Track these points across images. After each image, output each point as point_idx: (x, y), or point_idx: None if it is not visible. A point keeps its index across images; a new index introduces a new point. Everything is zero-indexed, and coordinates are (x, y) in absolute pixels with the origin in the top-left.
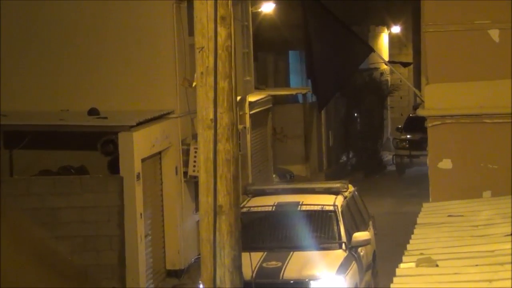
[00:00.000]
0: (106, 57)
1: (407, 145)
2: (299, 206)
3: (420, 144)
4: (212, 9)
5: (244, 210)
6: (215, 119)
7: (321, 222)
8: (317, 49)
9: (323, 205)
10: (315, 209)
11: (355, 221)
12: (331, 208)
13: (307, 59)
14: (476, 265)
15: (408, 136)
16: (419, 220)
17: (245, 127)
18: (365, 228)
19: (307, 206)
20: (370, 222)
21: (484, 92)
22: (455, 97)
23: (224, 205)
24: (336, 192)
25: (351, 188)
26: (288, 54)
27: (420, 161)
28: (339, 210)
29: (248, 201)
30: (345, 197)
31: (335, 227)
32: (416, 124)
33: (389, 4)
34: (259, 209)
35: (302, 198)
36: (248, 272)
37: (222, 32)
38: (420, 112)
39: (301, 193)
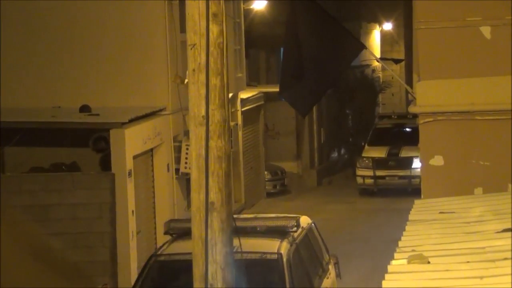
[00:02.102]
0: (98, 54)
1: (371, 163)
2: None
3: (386, 162)
4: (204, 6)
5: (162, 258)
6: (207, 116)
7: (261, 275)
8: (307, 46)
9: (264, 252)
10: (253, 257)
11: (308, 271)
12: (274, 256)
13: (284, 59)
14: (468, 262)
15: (373, 153)
16: (410, 217)
17: (237, 124)
18: (323, 277)
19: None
20: (330, 266)
21: (476, 89)
22: (447, 94)
23: (216, 202)
24: (283, 233)
25: (305, 222)
26: (280, 51)
27: (387, 183)
28: (284, 258)
29: (169, 244)
30: (294, 239)
31: (279, 282)
32: (384, 137)
33: (381, 1)
34: (183, 257)
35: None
36: None
37: (214, 29)
38: (412, 109)
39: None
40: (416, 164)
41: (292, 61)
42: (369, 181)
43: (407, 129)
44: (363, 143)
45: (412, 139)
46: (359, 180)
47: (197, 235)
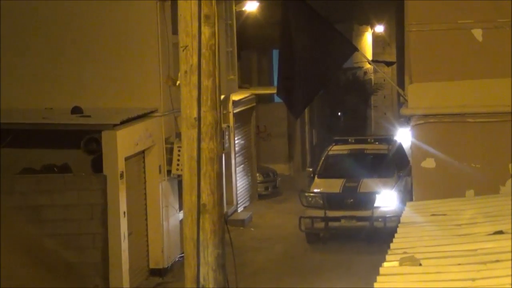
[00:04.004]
0: (90, 55)
1: (321, 201)
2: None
3: (342, 200)
4: (196, 7)
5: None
6: (199, 118)
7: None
8: (299, 48)
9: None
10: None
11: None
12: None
13: (280, 61)
14: (459, 264)
15: (324, 187)
16: (402, 219)
17: (229, 126)
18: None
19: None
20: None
21: (468, 91)
22: (439, 96)
23: (208, 203)
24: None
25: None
26: (272, 53)
27: (343, 226)
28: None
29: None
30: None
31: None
32: (338, 167)
33: (373, 3)
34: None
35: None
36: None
37: (206, 30)
38: (404, 112)
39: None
40: (380, 201)
41: (287, 62)
42: (319, 224)
43: (368, 157)
44: (311, 174)
45: (374, 170)
46: (306, 223)
47: (189, 237)
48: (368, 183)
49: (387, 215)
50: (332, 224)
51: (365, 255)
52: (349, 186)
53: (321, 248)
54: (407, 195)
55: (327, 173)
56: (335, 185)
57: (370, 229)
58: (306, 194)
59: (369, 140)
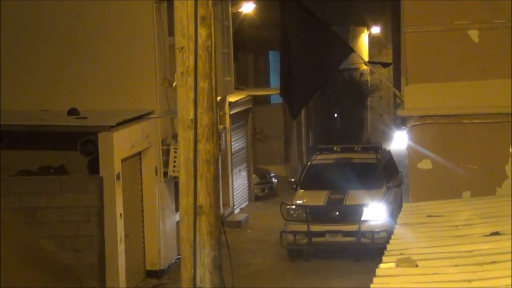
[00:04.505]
0: (86, 57)
1: (304, 215)
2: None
3: (326, 213)
4: (192, 9)
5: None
6: (195, 119)
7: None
8: (296, 50)
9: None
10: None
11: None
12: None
13: (281, 62)
14: (456, 265)
15: (307, 199)
16: (399, 220)
17: (225, 127)
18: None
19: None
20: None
21: (464, 92)
22: (435, 97)
23: (204, 205)
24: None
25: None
26: (268, 55)
27: (328, 242)
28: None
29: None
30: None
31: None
32: (322, 178)
33: (369, 5)
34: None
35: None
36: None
37: (202, 32)
38: (400, 113)
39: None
40: (367, 215)
41: (285, 64)
42: (301, 239)
43: (355, 167)
44: (294, 186)
45: (362, 181)
46: (288, 238)
47: (186, 238)
48: (355, 195)
49: (375, 230)
50: (316, 239)
51: (353, 275)
52: (334, 199)
53: (303, 267)
54: (397, 208)
55: (310, 184)
56: (319, 197)
57: (357, 245)
58: (288, 206)
59: (356, 148)
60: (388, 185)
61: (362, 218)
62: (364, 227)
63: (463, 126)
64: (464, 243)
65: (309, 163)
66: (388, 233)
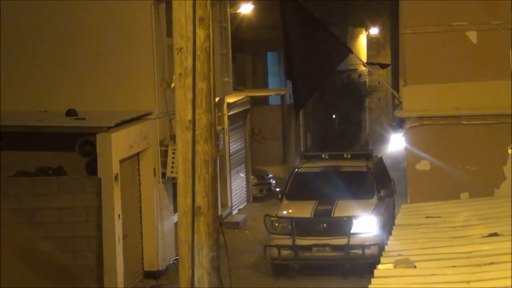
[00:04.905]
0: (84, 57)
1: (290, 227)
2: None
3: (313, 226)
4: (191, 10)
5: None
6: (193, 120)
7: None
8: (296, 50)
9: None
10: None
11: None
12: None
13: (285, 59)
14: (454, 266)
15: (292, 211)
16: (397, 222)
17: (223, 128)
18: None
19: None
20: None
21: (462, 94)
22: (433, 98)
23: (203, 206)
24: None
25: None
26: (267, 56)
27: (315, 256)
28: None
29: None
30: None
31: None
32: (309, 187)
33: (367, 6)
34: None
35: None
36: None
37: (200, 33)
38: (398, 114)
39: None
40: (357, 227)
41: (288, 63)
42: (287, 253)
43: (344, 175)
44: (279, 196)
45: (351, 190)
46: (272, 252)
47: (184, 239)
48: (344, 206)
49: (366, 243)
50: (302, 253)
51: None
52: (321, 210)
53: (288, 284)
54: (390, 219)
55: (296, 194)
56: (305, 208)
57: (346, 260)
58: (272, 218)
59: (345, 155)
60: (379, 195)
61: (352, 231)
62: (353, 241)
63: (461, 127)
64: (462, 244)
65: (295, 171)
66: (380, 247)
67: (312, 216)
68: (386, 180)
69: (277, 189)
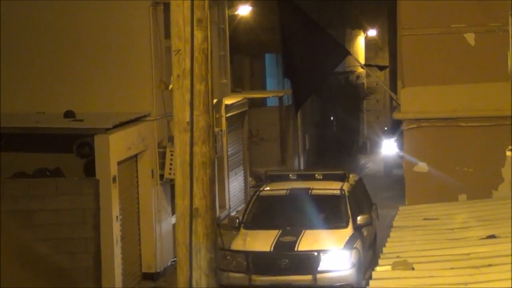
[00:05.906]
0: (82, 59)
1: (245, 263)
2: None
3: (273, 262)
4: (189, 11)
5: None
6: (191, 122)
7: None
8: (294, 51)
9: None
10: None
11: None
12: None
13: (283, 60)
14: (452, 268)
15: (250, 243)
16: (395, 223)
17: (221, 130)
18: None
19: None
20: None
21: (460, 95)
22: (431, 100)
23: (201, 208)
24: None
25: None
26: (265, 57)
27: None
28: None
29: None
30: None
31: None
32: (271, 214)
33: (365, 8)
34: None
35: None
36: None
37: (198, 34)
38: (396, 116)
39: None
40: (327, 263)
41: (287, 64)
42: None
43: (314, 199)
44: (236, 224)
45: (322, 217)
46: None
47: (182, 241)
48: (311, 237)
49: (336, 284)
50: None
51: None
52: (284, 242)
53: None
54: (368, 253)
55: (256, 222)
56: (265, 240)
57: None
58: (226, 252)
59: (316, 176)
60: (355, 223)
61: (319, 268)
62: (321, 280)
63: (459, 129)
64: (460, 246)
65: (256, 195)
66: None
67: (272, 249)
68: (366, 204)
69: (233, 214)
